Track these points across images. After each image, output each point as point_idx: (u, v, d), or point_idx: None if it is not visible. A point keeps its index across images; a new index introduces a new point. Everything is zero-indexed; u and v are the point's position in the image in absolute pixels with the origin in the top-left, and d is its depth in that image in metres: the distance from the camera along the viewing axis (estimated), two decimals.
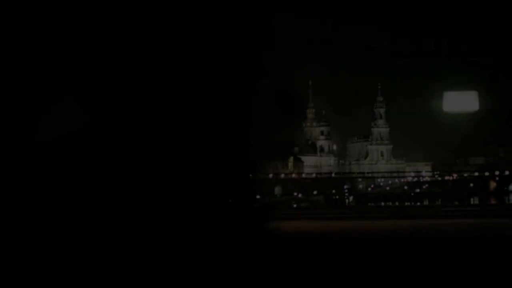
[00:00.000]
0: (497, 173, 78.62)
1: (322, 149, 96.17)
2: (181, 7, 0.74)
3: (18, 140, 0.71)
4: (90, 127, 0.65)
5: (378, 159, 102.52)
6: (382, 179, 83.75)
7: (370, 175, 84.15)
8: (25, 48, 0.81)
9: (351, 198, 56.66)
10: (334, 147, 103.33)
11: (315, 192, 52.17)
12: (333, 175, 76.81)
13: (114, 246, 0.59)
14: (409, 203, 52.62)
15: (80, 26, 0.73)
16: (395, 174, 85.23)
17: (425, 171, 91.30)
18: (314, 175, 71.21)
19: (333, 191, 55.95)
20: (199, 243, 0.63)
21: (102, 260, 0.59)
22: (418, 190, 75.54)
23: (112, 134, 0.65)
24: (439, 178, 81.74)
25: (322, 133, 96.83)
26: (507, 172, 79.56)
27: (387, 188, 77.81)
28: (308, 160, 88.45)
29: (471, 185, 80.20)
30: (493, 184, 76.99)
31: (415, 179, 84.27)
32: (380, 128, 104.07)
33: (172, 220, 0.63)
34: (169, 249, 0.62)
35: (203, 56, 0.70)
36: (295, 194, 53.79)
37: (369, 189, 76.20)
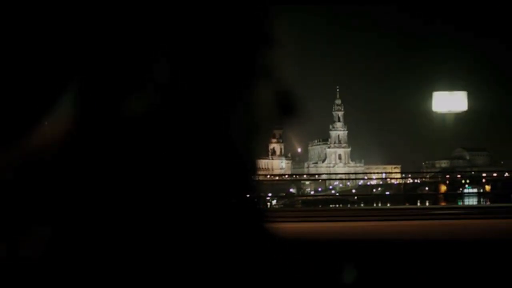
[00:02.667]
0: (447, 176, 77.68)
1: (274, 152, 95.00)
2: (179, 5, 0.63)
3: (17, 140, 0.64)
4: (88, 127, 0.59)
5: (336, 162, 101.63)
6: (335, 182, 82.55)
7: (322, 177, 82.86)
8: (24, 48, 0.68)
9: (274, 201, 55.20)
10: (299, 149, 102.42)
11: (248, 195, 50.96)
12: (277, 178, 75.34)
13: (114, 246, 0.56)
14: (351, 206, 51.20)
15: (78, 25, 0.65)
16: (341, 176, 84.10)
17: (381, 173, 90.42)
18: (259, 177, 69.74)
19: (269, 194, 54.52)
20: (202, 243, 0.59)
21: (101, 260, 0.57)
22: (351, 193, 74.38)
23: (111, 133, 0.58)
24: (407, 181, 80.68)
25: (273, 136, 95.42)
26: (459, 176, 78.68)
27: (333, 191, 76.50)
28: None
29: (426, 188, 79.28)
30: (443, 188, 75.99)
31: (369, 182, 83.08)
32: (338, 131, 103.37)
33: (173, 219, 0.58)
34: (169, 249, 0.58)
35: (205, 54, 0.61)
36: None
37: (312, 192, 74.85)
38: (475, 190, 77.18)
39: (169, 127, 0.69)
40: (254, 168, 0.81)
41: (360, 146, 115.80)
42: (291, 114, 0.86)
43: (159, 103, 0.72)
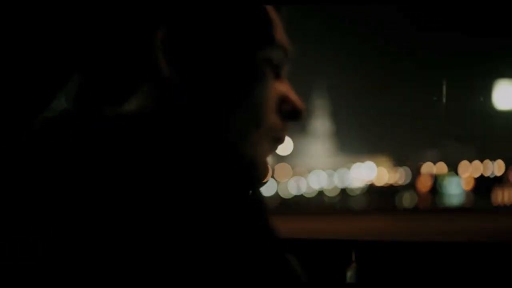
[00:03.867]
0: (428, 163, 74.68)
1: None
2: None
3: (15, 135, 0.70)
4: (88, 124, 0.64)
5: (320, 154, 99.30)
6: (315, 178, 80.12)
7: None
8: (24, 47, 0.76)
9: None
10: (284, 143, 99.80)
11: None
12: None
13: (113, 245, 0.59)
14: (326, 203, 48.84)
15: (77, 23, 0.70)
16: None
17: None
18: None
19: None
20: (204, 242, 0.61)
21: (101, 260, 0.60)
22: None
23: (112, 130, 0.62)
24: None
25: None
26: (442, 164, 75.55)
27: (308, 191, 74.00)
28: None
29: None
30: (425, 183, 73.20)
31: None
32: (322, 122, 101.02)
33: (175, 218, 0.62)
34: (170, 248, 0.61)
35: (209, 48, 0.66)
36: None
37: (292, 188, 72.39)
38: (458, 189, 74.20)
39: (172, 127, 0.68)
40: (262, 167, 0.80)
41: (347, 136, 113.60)
42: (296, 119, 0.86)
43: (160, 101, 0.72)
